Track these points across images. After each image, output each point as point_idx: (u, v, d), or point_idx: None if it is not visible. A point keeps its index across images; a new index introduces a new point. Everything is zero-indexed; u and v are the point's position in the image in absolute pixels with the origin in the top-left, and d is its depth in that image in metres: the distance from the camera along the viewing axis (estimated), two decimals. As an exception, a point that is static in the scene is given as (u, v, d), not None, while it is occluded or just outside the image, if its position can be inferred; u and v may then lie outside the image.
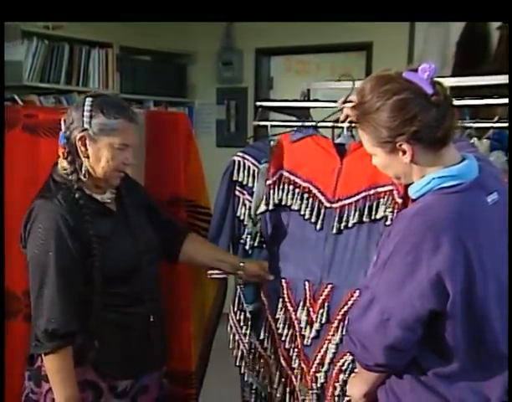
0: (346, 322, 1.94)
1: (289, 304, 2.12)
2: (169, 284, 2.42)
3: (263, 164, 2.20)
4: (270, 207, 2.14)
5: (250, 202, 2.20)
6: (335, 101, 2.09)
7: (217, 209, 2.26)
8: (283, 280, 2.13)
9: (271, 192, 2.14)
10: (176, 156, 2.42)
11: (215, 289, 2.45)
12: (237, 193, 2.23)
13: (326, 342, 2.03)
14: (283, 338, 2.13)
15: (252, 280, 2.21)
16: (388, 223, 1.91)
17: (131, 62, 4.91)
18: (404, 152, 1.51)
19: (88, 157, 1.86)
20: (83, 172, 1.87)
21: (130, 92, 4.87)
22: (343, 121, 2.00)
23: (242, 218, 2.22)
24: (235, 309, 2.26)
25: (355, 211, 1.99)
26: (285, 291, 2.13)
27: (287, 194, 2.13)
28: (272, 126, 2.32)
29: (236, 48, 5.20)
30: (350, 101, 1.75)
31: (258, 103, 2.46)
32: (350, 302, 1.98)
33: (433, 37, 4.27)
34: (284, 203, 2.13)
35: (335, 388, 2.02)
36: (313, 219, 2.08)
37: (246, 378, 2.25)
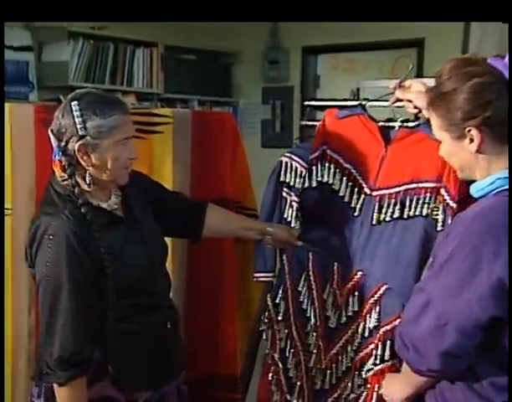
0: (373, 314, 1.98)
1: (312, 279, 2.13)
2: (214, 288, 2.45)
3: (312, 165, 2.20)
4: (314, 184, 2.14)
5: (297, 203, 2.20)
6: (385, 100, 2.09)
7: (264, 211, 2.27)
8: (310, 254, 2.14)
9: (313, 168, 2.14)
10: (222, 156, 2.44)
11: (261, 292, 2.45)
12: (284, 194, 2.23)
13: (353, 328, 2.05)
14: (307, 314, 2.14)
15: (279, 246, 2.20)
16: (440, 227, 1.88)
17: (176, 61, 4.99)
18: (471, 140, 1.50)
19: (93, 165, 1.75)
20: (87, 181, 1.76)
21: (175, 92, 4.95)
22: (393, 103, 1.99)
23: (289, 219, 2.21)
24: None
25: (395, 204, 1.98)
26: (310, 265, 2.14)
27: (328, 172, 2.12)
28: (320, 126, 2.32)
29: (282, 46, 5.21)
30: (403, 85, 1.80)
31: (306, 102, 2.46)
32: (376, 295, 1.98)
33: (490, 33, 4.18)
34: (325, 180, 2.13)
35: (356, 375, 2.04)
36: (352, 204, 2.07)
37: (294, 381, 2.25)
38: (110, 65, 4.48)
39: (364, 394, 2.00)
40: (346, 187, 2.09)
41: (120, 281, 1.75)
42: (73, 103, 1.72)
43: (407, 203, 1.96)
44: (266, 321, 2.21)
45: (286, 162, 2.23)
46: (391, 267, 1.97)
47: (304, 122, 2.42)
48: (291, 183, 2.21)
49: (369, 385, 1.98)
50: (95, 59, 4.40)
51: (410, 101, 1.91)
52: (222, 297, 2.44)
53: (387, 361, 1.92)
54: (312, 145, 2.17)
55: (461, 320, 1.44)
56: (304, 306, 2.15)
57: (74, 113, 1.71)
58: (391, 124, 2.07)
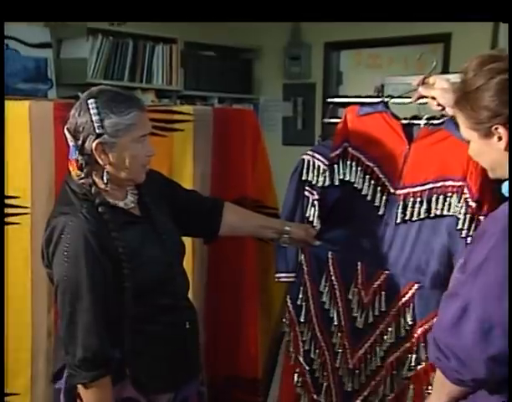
0: (407, 313, 1.99)
1: (334, 279, 2.14)
2: (235, 288, 2.46)
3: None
4: (336, 182, 2.15)
5: (320, 202, 2.20)
6: (409, 97, 2.08)
7: (286, 210, 2.27)
8: (329, 253, 2.15)
9: (335, 166, 2.15)
10: (243, 154, 2.45)
11: (283, 292, 2.46)
12: (306, 193, 2.23)
13: (381, 327, 2.06)
14: (330, 314, 2.14)
15: (296, 245, 2.20)
16: (460, 226, 1.90)
17: (196, 58, 5.00)
18: (500, 138, 1.49)
19: (110, 164, 1.76)
20: (105, 180, 1.77)
21: (194, 88, 4.96)
22: (416, 100, 2.00)
23: (311, 219, 2.22)
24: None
25: (421, 203, 1.99)
26: (330, 264, 2.14)
27: (350, 170, 2.13)
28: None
29: (304, 42, 5.20)
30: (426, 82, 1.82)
31: (329, 99, 2.46)
32: (408, 295, 2.00)
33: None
34: (347, 179, 2.14)
35: (394, 375, 2.05)
36: (376, 203, 2.09)
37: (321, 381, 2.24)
38: (129, 62, 4.50)
39: (410, 394, 2.01)
40: (369, 185, 2.10)
41: (138, 281, 1.76)
42: (89, 101, 1.72)
43: (434, 202, 1.97)
44: (287, 323, 2.22)
45: (308, 161, 2.23)
46: (420, 267, 1.99)
47: (326, 120, 2.41)
48: (313, 182, 2.22)
49: (412, 386, 2.00)
50: (114, 56, 4.42)
51: (433, 98, 1.91)
52: (244, 297, 2.45)
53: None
54: (333, 142, 2.18)
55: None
56: (327, 307, 2.15)
57: (91, 111, 1.71)
58: (416, 121, 2.07)
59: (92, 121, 1.71)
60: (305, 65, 5.22)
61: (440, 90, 1.88)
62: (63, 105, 2.30)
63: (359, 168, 2.12)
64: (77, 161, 1.76)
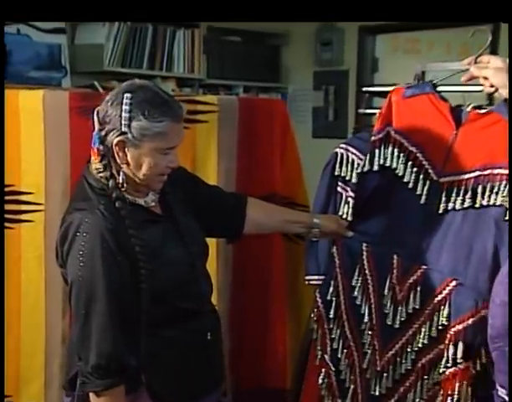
0: (442, 312, 1.97)
1: (368, 273, 2.13)
2: (262, 289, 2.47)
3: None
4: (375, 168, 2.14)
5: (354, 199, 2.19)
6: (455, 85, 2.07)
7: (317, 207, 2.28)
8: (363, 245, 2.14)
9: (376, 150, 2.14)
10: (271, 147, 2.46)
11: (312, 296, 2.46)
12: (339, 189, 2.23)
13: (414, 327, 2.04)
14: (362, 311, 2.14)
15: (327, 238, 2.20)
16: (507, 217, 1.86)
17: (219, 43, 5.02)
18: None
19: (127, 164, 1.78)
20: (121, 179, 1.79)
21: (218, 77, 4.98)
22: (467, 81, 1.97)
23: (345, 217, 2.21)
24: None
25: (466, 192, 1.97)
26: (364, 258, 2.14)
27: (392, 156, 2.12)
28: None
29: (336, 25, 5.18)
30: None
31: (365, 88, 2.46)
32: (444, 292, 1.98)
33: None
34: (388, 164, 2.13)
35: (425, 378, 2.04)
36: (417, 191, 2.07)
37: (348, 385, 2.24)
38: (148, 48, 4.52)
39: (439, 399, 2.00)
40: (411, 172, 2.08)
41: (158, 283, 1.77)
42: (126, 95, 1.73)
43: (480, 191, 1.94)
44: (315, 319, 2.22)
45: (342, 154, 2.23)
46: (461, 261, 1.97)
47: (362, 110, 2.41)
48: (347, 177, 2.21)
49: (442, 391, 1.98)
50: (132, 42, 4.44)
51: (486, 79, 1.89)
52: (271, 300, 2.46)
53: (460, 363, 1.92)
54: (376, 125, 2.17)
55: None
56: (359, 302, 2.15)
57: (123, 107, 1.72)
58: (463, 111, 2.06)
59: (120, 117, 1.72)
60: (338, 51, 5.21)
61: (494, 70, 1.85)
62: (79, 94, 2.33)
63: (401, 154, 2.10)
64: (98, 150, 1.78)
